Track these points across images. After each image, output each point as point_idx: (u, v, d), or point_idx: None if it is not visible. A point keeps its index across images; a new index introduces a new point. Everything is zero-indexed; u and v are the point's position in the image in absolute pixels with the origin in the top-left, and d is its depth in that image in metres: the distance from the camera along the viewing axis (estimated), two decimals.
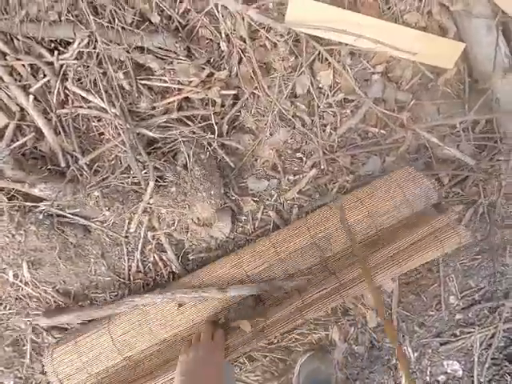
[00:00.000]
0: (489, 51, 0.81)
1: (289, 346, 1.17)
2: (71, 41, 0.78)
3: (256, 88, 0.89)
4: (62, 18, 0.76)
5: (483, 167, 1.03)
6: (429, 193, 0.95)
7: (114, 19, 0.76)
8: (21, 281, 0.96)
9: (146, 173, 0.84)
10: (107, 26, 0.76)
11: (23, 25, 0.77)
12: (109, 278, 1.04)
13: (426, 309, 1.21)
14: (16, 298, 1.03)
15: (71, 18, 0.76)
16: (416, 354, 1.24)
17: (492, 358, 1.23)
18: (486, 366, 1.22)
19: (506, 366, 1.22)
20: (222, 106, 0.88)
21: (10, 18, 0.77)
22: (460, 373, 1.26)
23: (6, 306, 1.05)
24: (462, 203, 1.10)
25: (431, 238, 0.89)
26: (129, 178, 0.85)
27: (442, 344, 1.24)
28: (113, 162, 0.85)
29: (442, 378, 1.28)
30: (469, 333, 1.22)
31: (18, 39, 0.79)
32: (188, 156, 0.86)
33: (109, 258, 1.01)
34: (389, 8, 0.84)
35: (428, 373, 1.27)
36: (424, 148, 1.02)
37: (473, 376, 1.23)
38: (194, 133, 0.86)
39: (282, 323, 0.89)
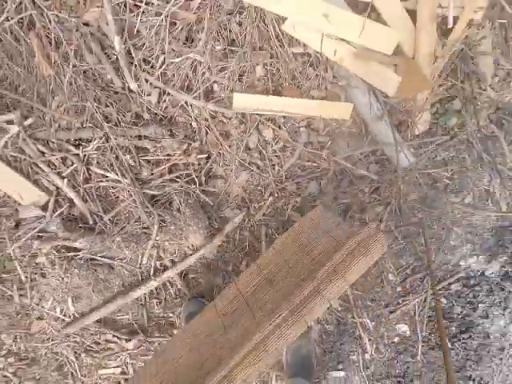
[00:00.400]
0: (367, 107, 1.25)
1: None
2: (91, 138, 1.15)
3: (220, 149, 1.29)
4: (85, 125, 1.13)
5: (388, 178, 1.46)
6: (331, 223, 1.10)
7: (119, 121, 1.15)
8: (65, 315, 1.26)
9: (152, 219, 1.20)
10: (115, 127, 1.14)
11: (57, 133, 1.13)
12: (129, 303, 1.36)
13: (372, 287, 1.59)
14: (59, 330, 1.32)
15: (90, 124, 1.13)
16: (373, 324, 1.61)
17: (428, 316, 1.62)
18: (425, 322, 1.60)
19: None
20: (199, 164, 1.27)
21: (47, 129, 1.13)
22: (408, 332, 1.64)
23: (49, 338, 1.33)
24: (380, 205, 1.52)
25: (360, 249, 0.98)
26: (140, 224, 1.20)
27: (390, 312, 1.62)
28: (127, 215, 1.20)
29: (396, 339, 1.65)
30: (408, 300, 1.61)
31: (52, 142, 1.15)
32: (180, 202, 1.23)
33: (128, 287, 1.34)
34: (300, 88, 1.28)
35: (385, 337, 1.64)
36: (345, 171, 1.44)
37: (417, 332, 1.61)
38: (181, 186, 1.24)
39: (244, 364, 0.87)
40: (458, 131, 1.54)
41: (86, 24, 1.06)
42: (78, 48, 1.06)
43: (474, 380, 1.61)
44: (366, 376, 1.63)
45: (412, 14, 1.18)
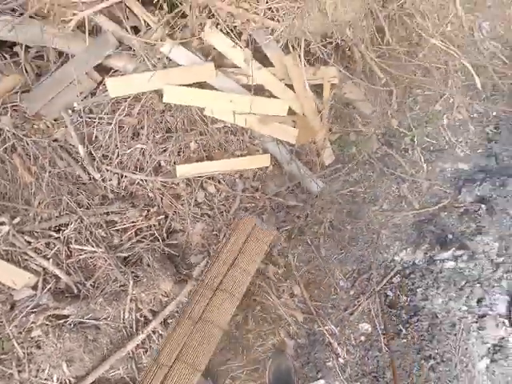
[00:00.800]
0: (278, 155, 1.67)
1: (256, 358, 1.70)
2: (68, 222, 1.45)
3: (175, 208, 1.62)
4: (62, 214, 1.43)
5: (315, 204, 1.84)
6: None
7: (89, 205, 1.47)
8: (61, 382, 1.41)
9: (126, 276, 1.46)
10: (86, 210, 1.45)
11: (40, 224, 1.42)
12: (118, 357, 1.53)
13: (328, 295, 1.86)
14: None
15: (67, 212, 1.44)
16: (338, 328, 1.84)
17: (381, 310, 1.88)
18: (380, 316, 1.86)
19: (390, 311, 1.88)
20: (159, 224, 1.59)
21: (31, 223, 1.42)
22: (370, 329, 1.87)
23: None
24: (315, 225, 1.87)
25: (254, 242, 1.36)
26: (117, 283, 1.45)
27: (350, 314, 1.87)
28: (105, 278, 1.45)
29: (362, 338, 1.88)
30: (361, 300, 1.88)
31: (36, 232, 1.43)
32: (148, 258, 1.51)
33: (116, 343, 1.53)
34: (227, 151, 1.69)
35: (352, 338, 1.86)
36: (279, 204, 1.80)
37: (377, 327, 1.85)
38: (148, 245, 1.53)
39: None
40: (358, 156, 1.99)
41: (56, 140, 1.43)
42: (51, 158, 1.42)
43: (434, 358, 1.82)
44: (345, 379, 1.80)
45: (291, 86, 1.67)
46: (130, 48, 1.44)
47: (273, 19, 1.39)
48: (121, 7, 1.38)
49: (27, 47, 1.36)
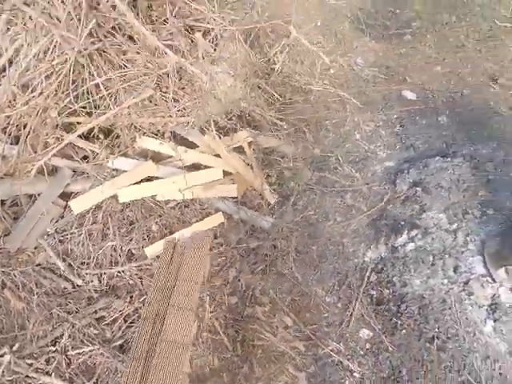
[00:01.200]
0: (227, 209, 1.98)
1: None
2: (63, 332, 1.60)
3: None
4: (55, 326, 1.59)
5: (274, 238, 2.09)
6: None
7: (77, 309, 1.64)
8: None
9: (125, 364, 1.56)
10: (76, 314, 1.63)
11: (37, 343, 1.56)
12: None
13: (320, 315, 1.96)
14: None
15: (59, 323, 1.60)
16: (342, 344, 1.90)
17: (373, 310, 1.98)
18: (373, 316, 1.94)
19: (380, 308, 1.98)
20: (143, 305, 1.75)
21: (29, 345, 1.56)
22: (371, 333, 1.93)
23: None
24: (282, 256, 2.08)
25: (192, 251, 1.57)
26: (119, 373, 1.54)
27: (347, 326, 1.95)
28: (107, 372, 1.55)
29: (367, 345, 1.92)
30: (350, 308, 1.99)
31: (35, 353, 1.56)
32: None
33: None
34: (185, 222, 1.98)
35: (358, 349, 1.90)
36: (246, 249, 2.03)
37: (375, 329, 1.92)
38: (137, 327, 1.67)
39: None
40: (297, 187, 2.33)
41: (38, 264, 1.68)
42: (37, 280, 1.64)
43: (438, 337, 1.87)
44: None
45: (219, 155, 2.08)
46: (84, 172, 1.82)
47: (183, 116, 1.85)
48: (69, 146, 1.81)
49: (2, 201, 1.71)
